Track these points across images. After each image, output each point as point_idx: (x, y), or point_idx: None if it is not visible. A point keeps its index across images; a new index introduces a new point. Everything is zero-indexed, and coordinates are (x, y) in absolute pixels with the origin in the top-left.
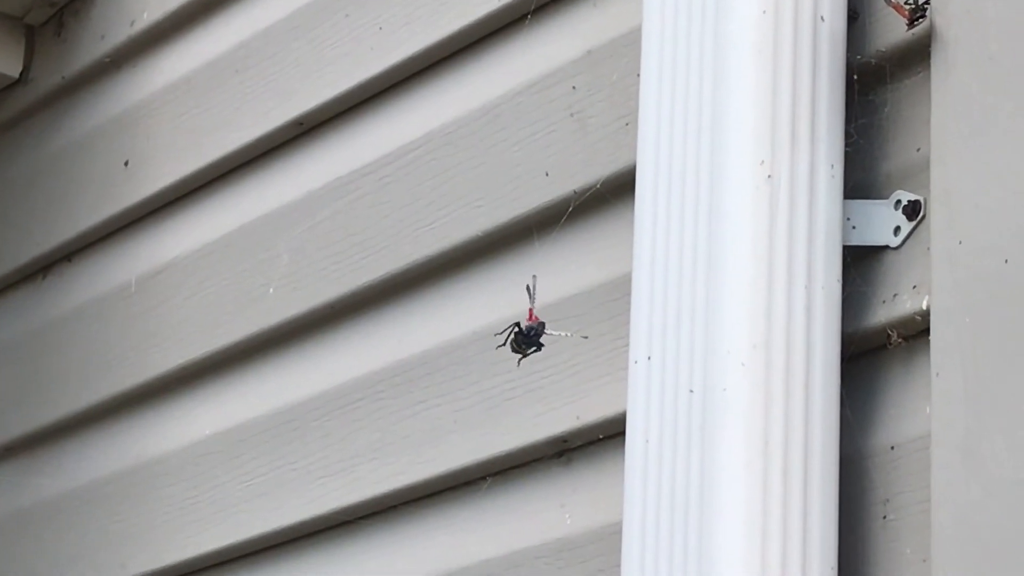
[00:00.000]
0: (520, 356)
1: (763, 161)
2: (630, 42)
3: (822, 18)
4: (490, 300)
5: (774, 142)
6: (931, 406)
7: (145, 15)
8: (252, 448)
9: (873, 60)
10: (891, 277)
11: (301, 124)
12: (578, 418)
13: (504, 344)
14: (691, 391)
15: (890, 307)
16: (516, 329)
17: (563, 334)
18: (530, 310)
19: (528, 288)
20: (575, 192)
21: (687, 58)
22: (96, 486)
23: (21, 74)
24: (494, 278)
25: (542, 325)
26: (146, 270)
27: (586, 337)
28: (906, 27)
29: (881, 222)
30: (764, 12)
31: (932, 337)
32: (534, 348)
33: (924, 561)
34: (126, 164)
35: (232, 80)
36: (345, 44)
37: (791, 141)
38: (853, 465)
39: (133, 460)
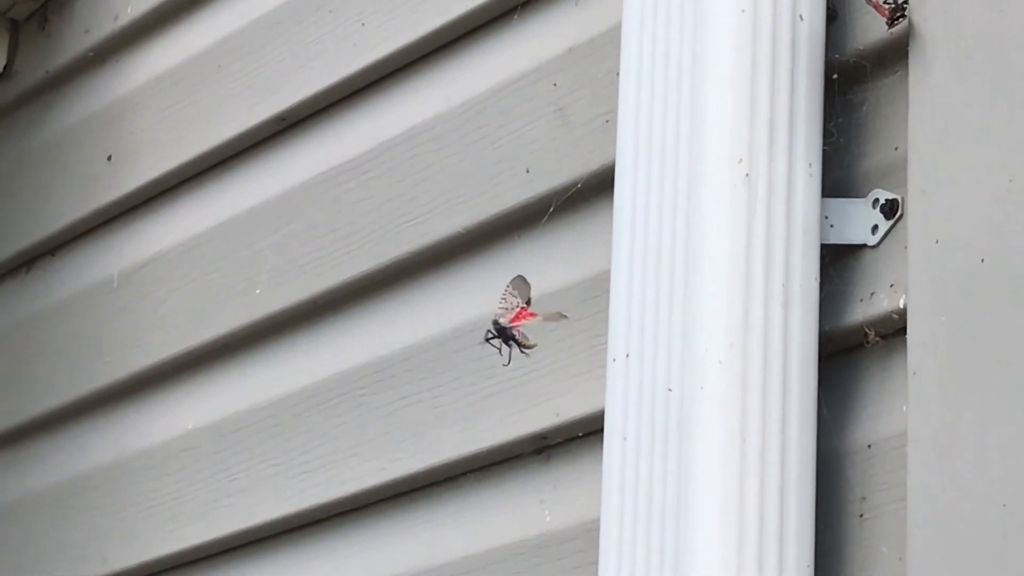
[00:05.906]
0: (507, 351)
1: (741, 159)
2: (612, 39)
3: (801, 17)
4: (471, 297)
5: (752, 140)
6: (908, 404)
7: (128, 10)
8: (234, 444)
9: (852, 59)
10: (868, 276)
11: (284, 120)
12: (558, 415)
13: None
14: (668, 389)
15: (867, 305)
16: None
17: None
18: (522, 309)
19: (517, 287)
20: (563, 187)
21: (666, 56)
22: (79, 480)
23: (5, 68)
24: (475, 275)
25: (509, 326)
26: (129, 265)
27: (565, 316)
28: (886, 26)
29: (859, 221)
30: (743, 11)
31: (909, 336)
32: (507, 344)
33: (900, 559)
34: (109, 159)
35: (215, 75)
36: (328, 40)
37: (769, 139)
38: (830, 463)
39: (115, 455)
